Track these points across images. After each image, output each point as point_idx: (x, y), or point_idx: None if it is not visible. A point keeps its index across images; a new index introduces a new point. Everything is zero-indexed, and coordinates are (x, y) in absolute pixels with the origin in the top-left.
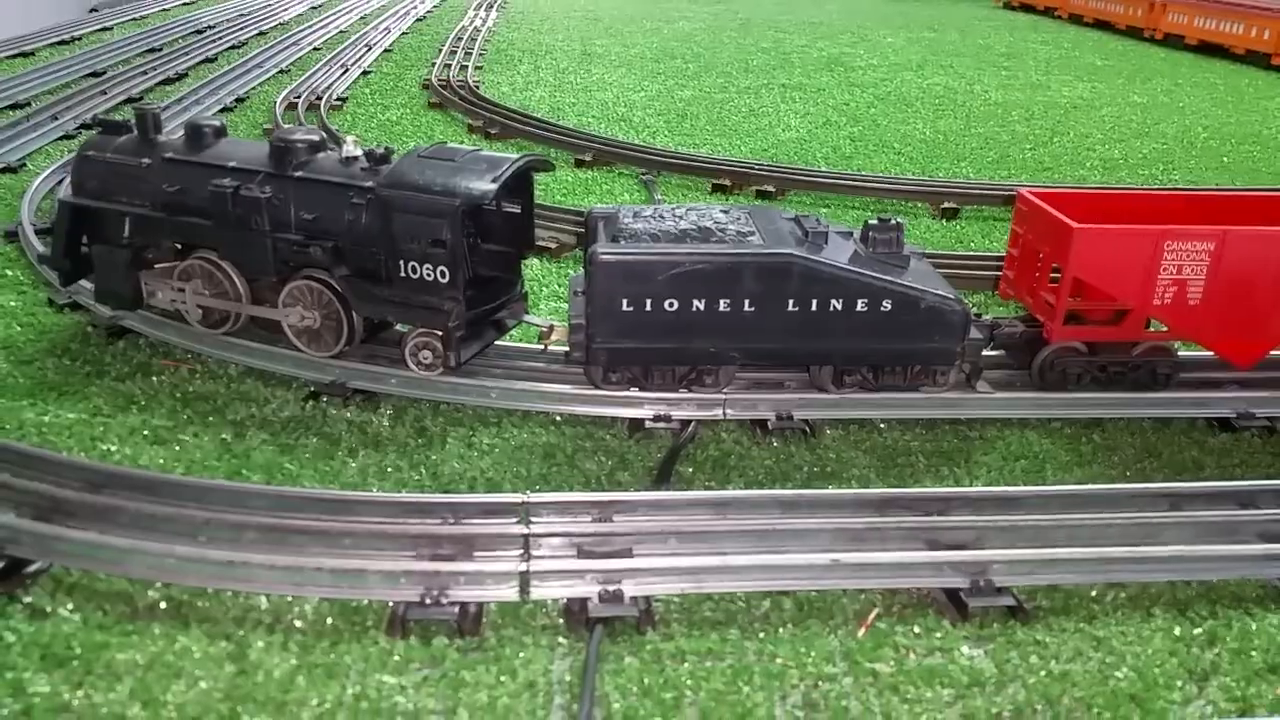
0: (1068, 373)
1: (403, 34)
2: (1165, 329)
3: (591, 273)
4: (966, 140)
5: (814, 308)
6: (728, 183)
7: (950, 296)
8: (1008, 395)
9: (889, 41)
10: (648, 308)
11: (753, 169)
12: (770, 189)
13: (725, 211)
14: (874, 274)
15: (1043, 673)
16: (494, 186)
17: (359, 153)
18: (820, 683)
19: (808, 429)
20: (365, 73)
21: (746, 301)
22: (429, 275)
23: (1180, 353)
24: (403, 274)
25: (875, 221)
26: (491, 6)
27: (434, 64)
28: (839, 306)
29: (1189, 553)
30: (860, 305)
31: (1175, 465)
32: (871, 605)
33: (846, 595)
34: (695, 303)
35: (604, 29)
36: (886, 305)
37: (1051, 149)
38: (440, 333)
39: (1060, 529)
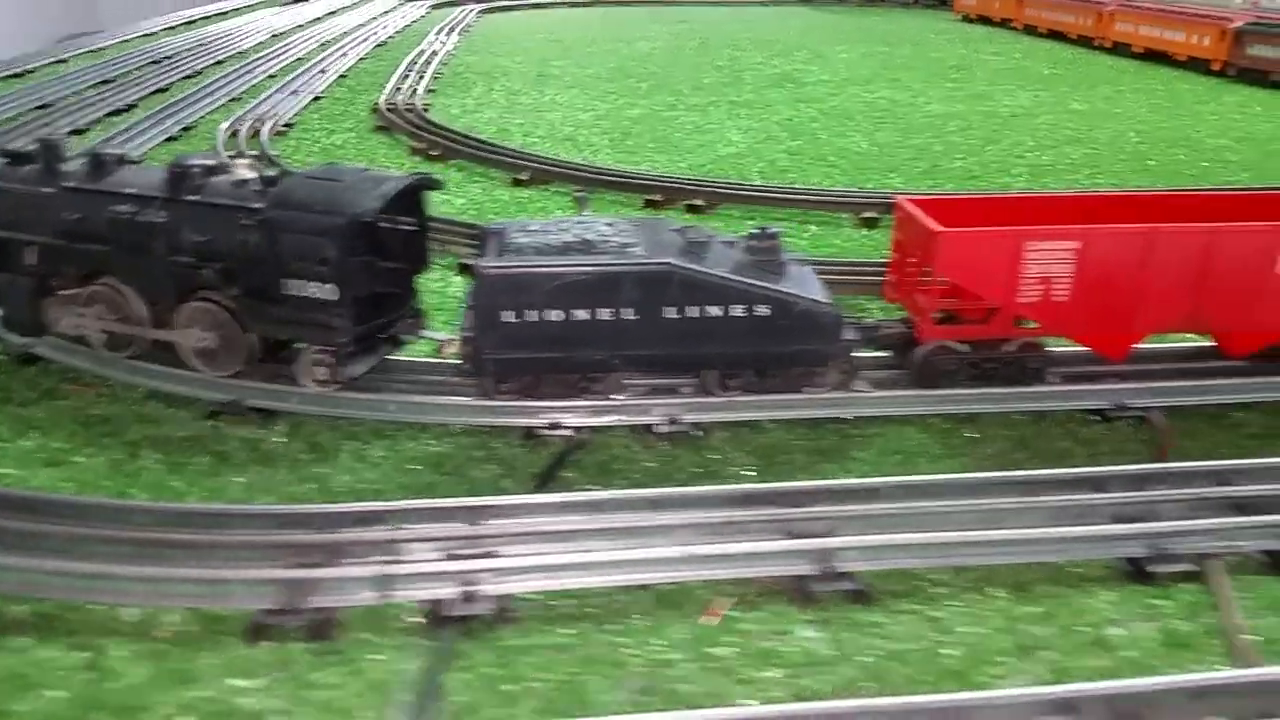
0: (943, 370)
1: (360, 59)
2: (1035, 325)
3: (476, 287)
4: (901, 152)
5: (693, 314)
6: (659, 198)
7: (824, 300)
8: (885, 393)
9: (843, 57)
10: (532, 319)
11: (684, 185)
12: (700, 203)
13: (610, 224)
14: (750, 281)
15: (877, 652)
16: (377, 205)
17: (252, 175)
18: (660, 669)
19: (696, 432)
20: (316, 98)
21: (628, 310)
22: (317, 293)
23: (1061, 348)
24: (292, 292)
25: (755, 231)
26: (453, 30)
27: (385, 88)
28: (718, 313)
29: (1034, 535)
30: (737, 311)
31: (1045, 455)
32: (724, 595)
33: (704, 586)
34: (578, 313)
35: (563, 50)
36: (763, 310)
37: (982, 158)
38: (331, 349)
39: (910, 516)
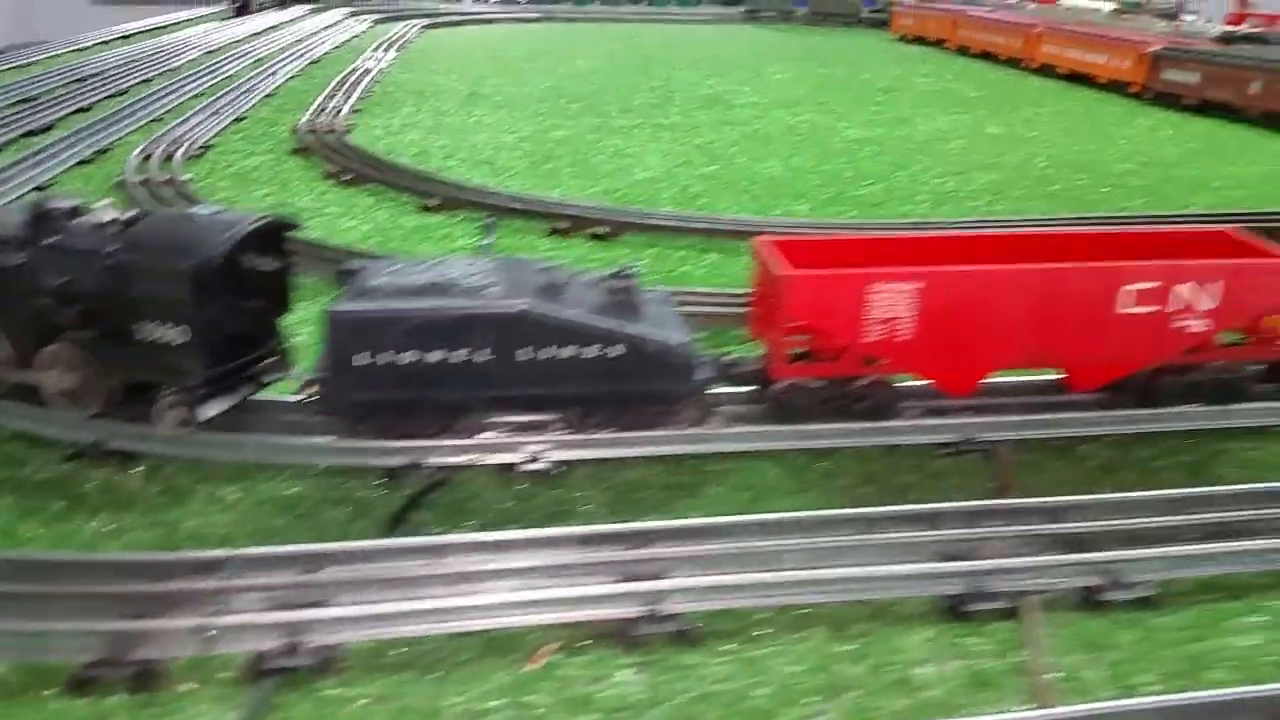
0: (798, 406)
1: (291, 77)
2: (883, 363)
3: (327, 329)
4: (812, 178)
5: (548, 355)
6: (565, 226)
7: (675, 339)
8: (743, 429)
9: (777, 78)
10: (385, 360)
11: (590, 213)
12: (604, 231)
13: (471, 264)
14: (604, 322)
15: (690, 694)
16: (226, 248)
17: (112, 217)
18: (477, 718)
19: (557, 470)
20: (239, 119)
21: (484, 351)
22: (169, 336)
23: (915, 384)
24: (145, 335)
25: (612, 271)
26: (392, 47)
27: (310, 107)
28: (572, 353)
29: (857, 574)
30: (592, 352)
31: (891, 490)
32: (554, 640)
33: (534, 632)
34: (433, 354)
35: (500, 68)
36: (617, 351)
37: (889, 184)
38: (185, 391)
39: (744, 556)
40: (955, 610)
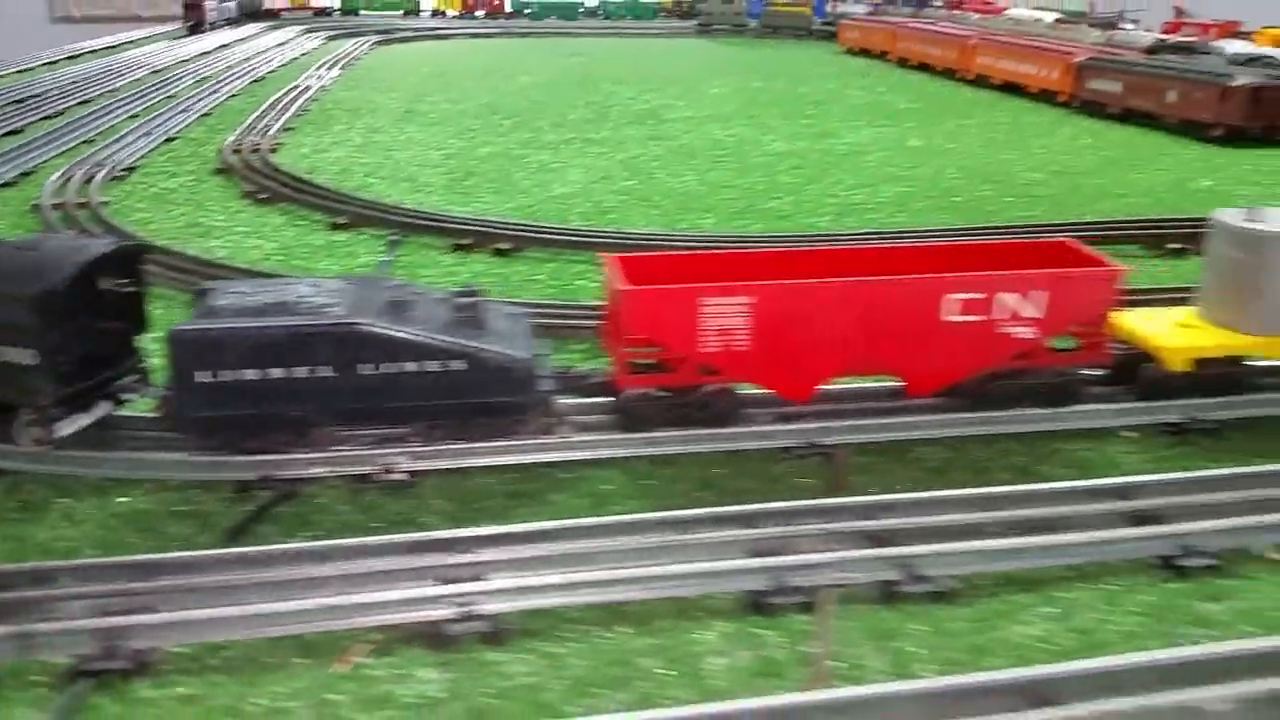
0: (644, 415)
1: (232, 95)
2: (720, 373)
3: (170, 348)
4: (726, 192)
5: (389, 370)
6: (469, 242)
7: (516, 354)
8: (590, 437)
9: (715, 92)
10: (228, 377)
11: (493, 228)
12: (507, 246)
13: (319, 284)
14: (443, 337)
15: (488, 690)
16: (72, 273)
17: None
18: (276, 716)
19: (407, 480)
20: (170, 139)
21: (325, 368)
22: (19, 358)
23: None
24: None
25: (457, 290)
26: (337, 65)
27: (241, 126)
28: (413, 368)
29: (665, 572)
30: (433, 366)
31: (728, 493)
32: (364, 642)
33: (349, 635)
34: (274, 371)
35: (443, 85)
36: (458, 365)
37: (799, 197)
38: (40, 410)
39: (562, 558)
40: (757, 605)
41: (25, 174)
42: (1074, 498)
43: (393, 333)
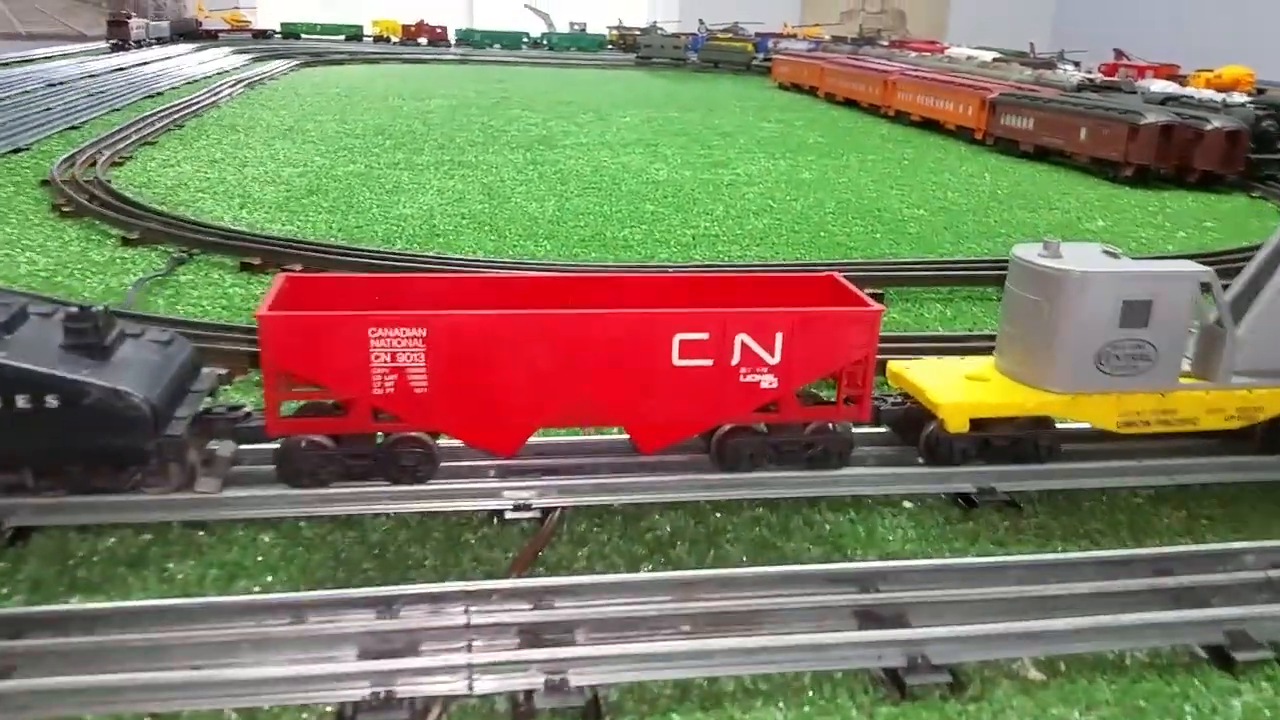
0: (303, 468)
1: (114, 110)
2: (401, 419)
3: None
4: (579, 219)
5: None
6: (258, 261)
7: (128, 389)
8: (243, 493)
9: (625, 120)
10: None
11: (288, 248)
12: (299, 268)
13: None
14: (31, 365)
15: None
16: None
17: None
18: None
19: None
20: (18, 150)
21: None
22: None
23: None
24: None
25: (74, 309)
26: (244, 83)
27: (100, 139)
28: None
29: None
30: (22, 400)
31: (397, 565)
32: None
33: None
34: None
35: (342, 106)
36: (52, 401)
37: (653, 227)
38: None
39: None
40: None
41: None
42: (788, 583)
43: None
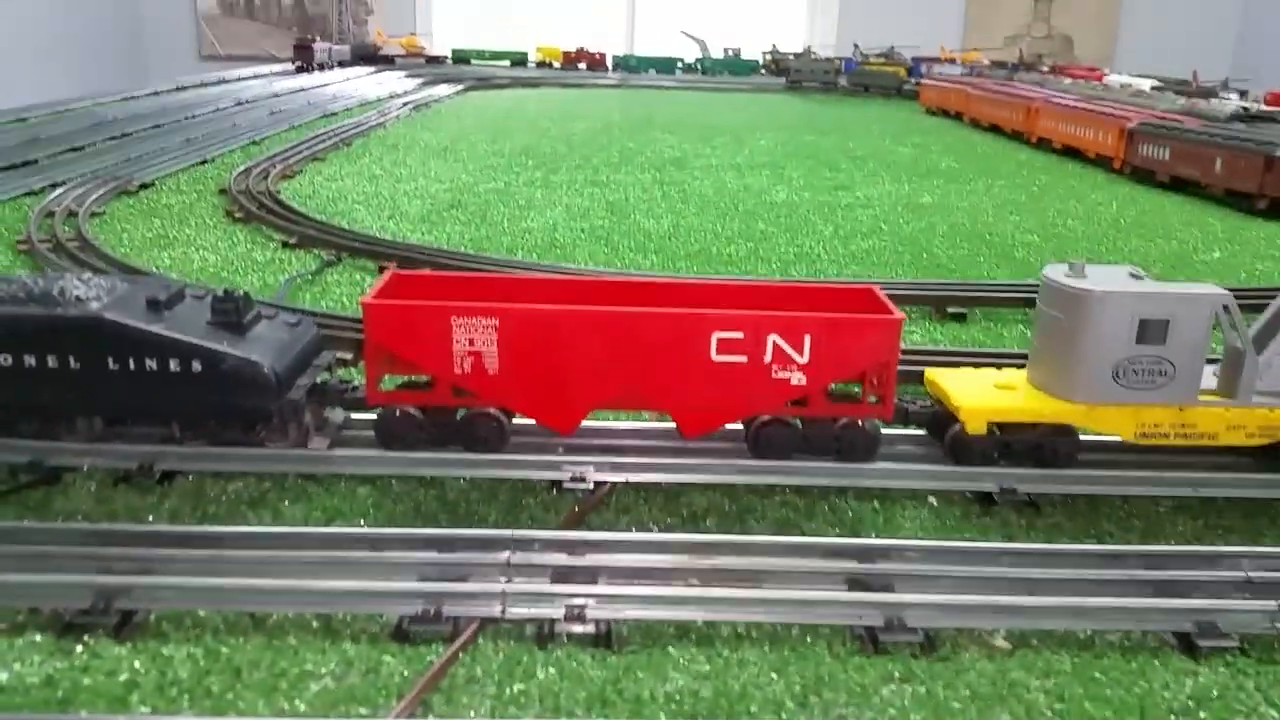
0: (395, 433)
1: (292, 127)
2: (475, 395)
3: None
4: (692, 235)
5: (132, 366)
6: (394, 265)
7: (257, 358)
8: (345, 452)
9: (760, 143)
10: None
11: (419, 254)
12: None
13: (90, 280)
14: (183, 336)
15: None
16: None
17: None
18: None
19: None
20: (204, 161)
21: (75, 360)
22: None
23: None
24: None
25: (220, 293)
26: (413, 106)
27: (274, 153)
28: (155, 366)
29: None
30: (174, 365)
31: (470, 518)
32: None
33: None
34: (26, 359)
35: (495, 127)
36: (196, 365)
37: (762, 244)
38: None
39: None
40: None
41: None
42: (793, 551)
43: (133, 328)
